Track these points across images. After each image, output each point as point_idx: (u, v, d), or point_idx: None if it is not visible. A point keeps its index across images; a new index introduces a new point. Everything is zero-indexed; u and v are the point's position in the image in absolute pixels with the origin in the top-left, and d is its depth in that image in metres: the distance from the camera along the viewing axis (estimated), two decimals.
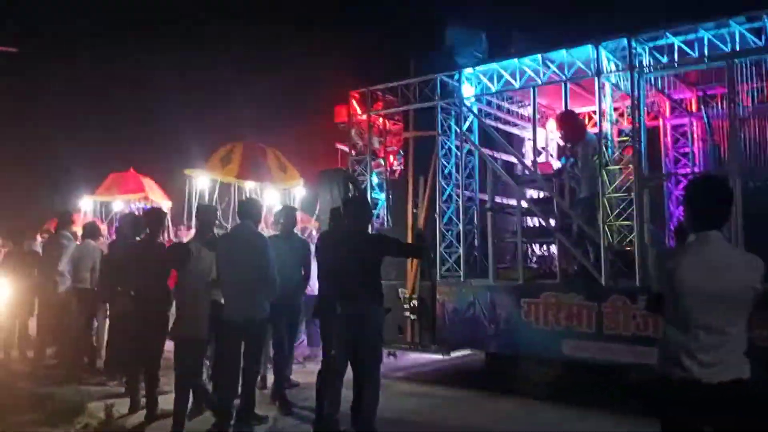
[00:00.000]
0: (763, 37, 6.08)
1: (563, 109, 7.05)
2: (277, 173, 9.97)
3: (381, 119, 9.18)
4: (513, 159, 8.26)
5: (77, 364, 7.57)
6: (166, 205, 11.62)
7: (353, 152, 8.72)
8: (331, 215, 6.28)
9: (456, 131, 7.71)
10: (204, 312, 5.34)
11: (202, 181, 10.05)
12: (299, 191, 10.61)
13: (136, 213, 10.43)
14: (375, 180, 8.72)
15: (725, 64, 6.19)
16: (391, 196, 8.46)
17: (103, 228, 10.47)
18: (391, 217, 8.43)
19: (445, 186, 7.71)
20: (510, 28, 9.22)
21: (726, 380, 2.72)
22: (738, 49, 6.16)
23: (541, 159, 8.39)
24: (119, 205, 11.51)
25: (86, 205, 11.65)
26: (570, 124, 6.88)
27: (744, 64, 6.40)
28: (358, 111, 8.91)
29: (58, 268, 7.65)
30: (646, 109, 7.36)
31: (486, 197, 7.37)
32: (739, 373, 2.75)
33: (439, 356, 7.36)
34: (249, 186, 10.16)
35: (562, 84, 7.11)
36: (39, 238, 10.17)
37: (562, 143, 7.44)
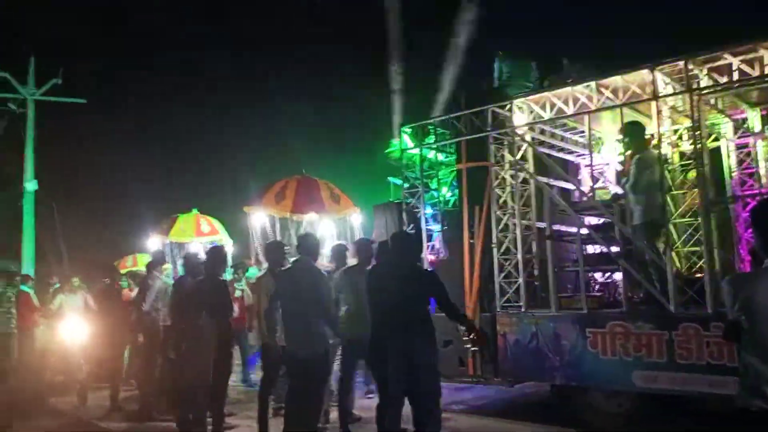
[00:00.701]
0: None
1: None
2: (330, 204, 10.07)
3: (433, 152, 9.29)
4: (569, 186, 8.16)
5: (151, 401, 7.74)
6: (229, 243, 11.92)
7: (406, 185, 8.81)
8: (378, 250, 6.32)
9: (510, 160, 7.69)
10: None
11: (259, 218, 10.26)
12: (356, 219, 10.58)
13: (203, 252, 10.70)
14: (429, 211, 8.77)
15: None
16: (446, 227, 8.45)
17: (167, 267, 10.77)
18: (447, 248, 8.41)
19: (501, 215, 7.67)
20: (560, 56, 9.22)
21: None
22: None
23: (598, 185, 8.27)
24: (196, 246, 11.86)
25: (153, 245, 12.06)
26: (636, 133, 6.71)
27: None
28: (411, 144, 9.05)
29: (143, 307, 7.78)
30: (707, 130, 7.19)
31: (543, 225, 7.27)
32: None
33: (502, 388, 7.22)
34: (307, 219, 10.30)
35: (618, 109, 7.04)
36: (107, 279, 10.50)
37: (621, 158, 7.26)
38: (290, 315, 5.45)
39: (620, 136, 6.93)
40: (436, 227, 8.74)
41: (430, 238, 8.49)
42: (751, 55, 6.30)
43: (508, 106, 7.69)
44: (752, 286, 2.77)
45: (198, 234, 12.01)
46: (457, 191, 8.96)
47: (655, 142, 6.70)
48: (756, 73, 6.30)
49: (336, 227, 10.54)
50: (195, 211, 12.25)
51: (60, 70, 18.04)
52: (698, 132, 6.43)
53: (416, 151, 8.89)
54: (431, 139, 9.39)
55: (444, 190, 9.49)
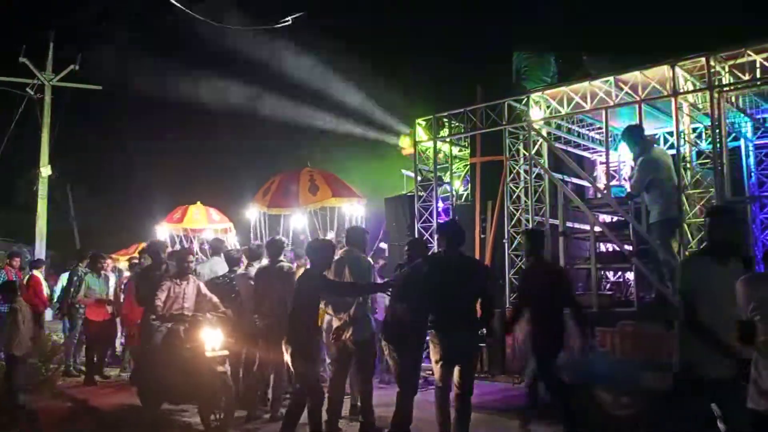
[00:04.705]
0: None
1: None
2: (305, 196, 9.81)
3: (447, 145, 9.19)
4: (584, 182, 8.05)
5: None
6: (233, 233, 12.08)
7: (419, 178, 8.73)
8: (409, 245, 6.13)
9: (524, 155, 7.59)
10: None
11: (253, 213, 10.31)
12: (358, 210, 10.30)
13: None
14: (441, 205, 8.69)
15: None
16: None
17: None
18: None
19: (514, 211, 7.58)
20: (580, 51, 9.08)
21: None
22: None
23: (613, 183, 8.15)
24: (209, 234, 11.94)
25: (162, 233, 12.21)
26: (635, 136, 6.50)
27: None
28: (425, 137, 8.96)
29: None
30: (726, 129, 7.05)
31: (557, 222, 7.17)
32: None
33: (508, 385, 7.14)
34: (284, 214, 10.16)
35: (637, 105, 6.91)
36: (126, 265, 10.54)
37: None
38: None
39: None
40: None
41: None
42: None
43: (524, 100, 7.58)
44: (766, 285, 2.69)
45: (210, 222, 12.12)
46: (470, 185, 8.87)
47: (672, 140, 6.55)
48: None
49: (341, 218, 10.32)
50: (198, 204, 12.37)
51: (78, 56, 18.11)
52: (718, 130, 6.30)
53: (430, 143, 8.80)
54: (446, 131, 9.32)
55: (457, 183, 9.37)
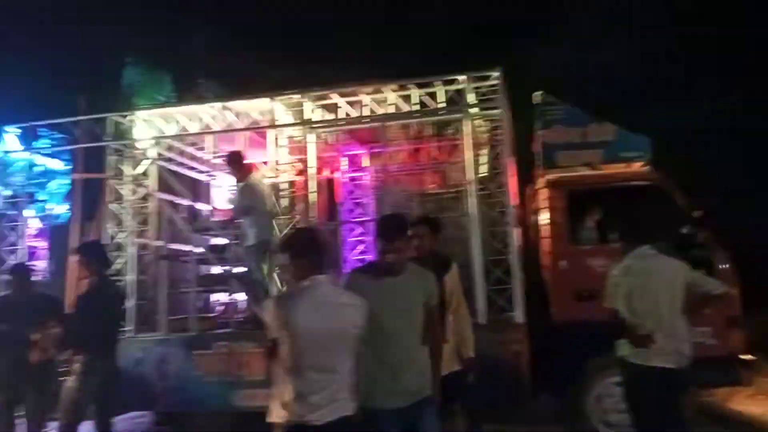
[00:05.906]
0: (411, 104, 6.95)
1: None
2: None
3: (47, 158, 8.18)
4: (205, 205, 8.05)
5: None
6: None
7: (6, 193, 7.54)
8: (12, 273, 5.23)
9: (129, 175, 7.20)
10: None
11: None
12: None
13: None
14: (35, 225, 7.68)
15: (380, 124, 6.93)
16: (52, 244, 7.50)
17: None
18: (51, 267, 7.46)
19: (117, 233, 7.09)
20: (198, 73, 9.12)
21: (333, 419, 2.84)
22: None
23: (224, 205, 8.31)
24: None
25: None
26: (236, 162, 6.82)
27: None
28: (16, 147, 7.80)
29: None
30: (322, 161, 7.83)
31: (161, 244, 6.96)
32: (345, 410, 2.89)
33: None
34: None
35: (242, 132, 7.18)
36: None
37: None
38: None
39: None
40: (42, 244, 7.66)
41: (32, 255, 7.38)
42: (354, 98, 7.06)
43: (130, 117, 7.21)
44: (290, 304, 2.93)
45: None
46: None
47: (266, 169, 6.99)
48: (358, 113, 7.08)
49: None
50: None
51: None
52: (310, 163, 6.95)
53: (24, 155, 7.71)
54: (47, 143, 8.28)
55: (54, 201, 8.39)
